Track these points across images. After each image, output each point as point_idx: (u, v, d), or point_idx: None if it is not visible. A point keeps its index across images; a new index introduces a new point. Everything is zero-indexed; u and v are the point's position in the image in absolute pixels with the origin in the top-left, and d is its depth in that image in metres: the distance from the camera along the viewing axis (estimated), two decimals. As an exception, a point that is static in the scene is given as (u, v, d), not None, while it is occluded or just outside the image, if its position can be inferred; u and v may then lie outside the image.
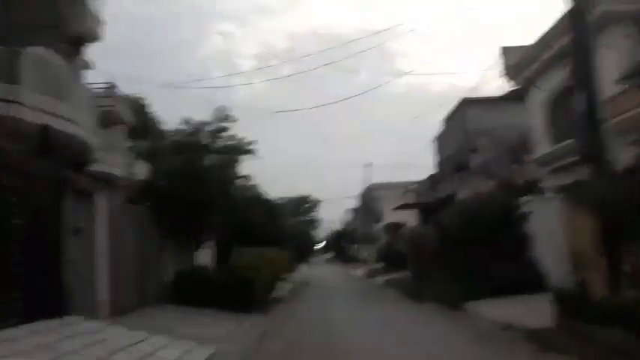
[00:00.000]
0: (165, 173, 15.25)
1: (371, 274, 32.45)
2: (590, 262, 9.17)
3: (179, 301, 13.88)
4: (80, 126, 14.09)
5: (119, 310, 10.96)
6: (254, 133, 18.08)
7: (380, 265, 37.01)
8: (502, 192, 16.29)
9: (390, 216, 54.30)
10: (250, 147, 16.13)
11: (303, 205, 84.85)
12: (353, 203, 79.99)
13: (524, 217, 14.80)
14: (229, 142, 16.02)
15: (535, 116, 20.27)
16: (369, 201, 48.81)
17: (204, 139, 15.94)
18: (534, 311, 11.23)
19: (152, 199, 14.90)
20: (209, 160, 16.00)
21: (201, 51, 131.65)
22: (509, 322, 10.20)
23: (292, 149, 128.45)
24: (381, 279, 27.30)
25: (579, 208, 10.24)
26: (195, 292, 14.02)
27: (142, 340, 8.25)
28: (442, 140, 39.00)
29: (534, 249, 14.30)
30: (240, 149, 16.00)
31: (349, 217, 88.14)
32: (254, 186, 17.39)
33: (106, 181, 13.82)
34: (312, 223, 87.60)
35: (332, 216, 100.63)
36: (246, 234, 23.97)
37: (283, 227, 33.43)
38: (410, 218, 42.26)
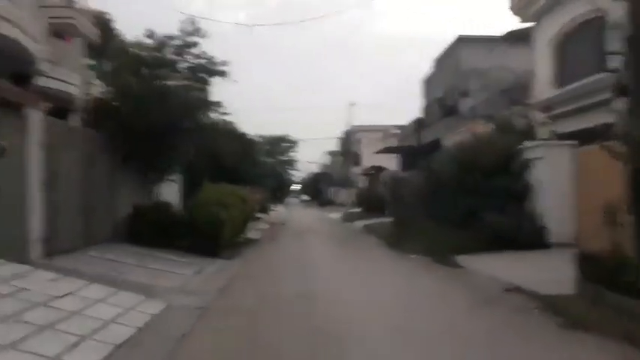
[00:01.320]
0: (122, 92, 13.15)
1: (349, 218, 31.16)
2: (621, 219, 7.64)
3: (135, 241, 12.17)
4: (21, 29, 11.87)
5: (56, 250, 9.21)
6: (236, 68, 15.86)
7: (358, 210, 35.77)
8: (501, 136, 14.66)
9: (370, 160, 52.94)
10: (223, 68, 14.00)
11: (281, 145, 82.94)
12: (333, 145, 78.30)
13: (527, 164, 13.26)
14: (199, 61, 13.84)
15: (540, 57, 18.55)
16: (349, 143, 46.98)
17: (169, 55, 13.73)
18: (541, 271, 9.88)
19: (106, 122, 12.88)
20: (174, 79, 13.88)
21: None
22: (516, 283, 8.76)
23: (276, 87, 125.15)
24: (359, 224, 25.96)
25: (607, 155, 8.61)
26: (154, 231, 12.31)
27: (71, 293, 6.52)
28: (431, 82, 37.03)
29: (536, 200, 12.85)
30: (211, 69, 13.86)
31: (328, 159, 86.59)
32: (227, 116, 15.30)
33: (48, 96, 11.71)
34: (290, 164, 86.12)
35: (311, 157, 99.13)
36: (218, 169, 22.15)
37: (259, 165, 31.62)
38: (390, 163, 40.89)
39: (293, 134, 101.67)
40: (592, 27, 15.67)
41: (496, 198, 13.09)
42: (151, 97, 13.05)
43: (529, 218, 12.57)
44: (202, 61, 13.86)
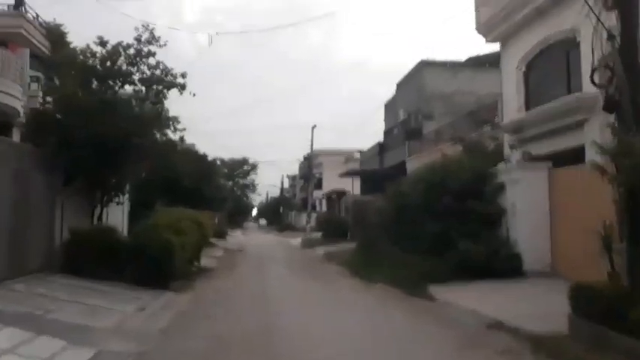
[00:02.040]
0: (65, 103, 11.89)
1: (309, 244, 30.05)
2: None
3: (73, 272, 10.80)
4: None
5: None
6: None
7: (318, 235, 34.74)
8: (471, 157, 14.06)
9: (332, 183, 52.28)
10: (181, 80, 12.88)
11: (241, 168, 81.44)
12: (294, 169, 77.46)
13: (500, 187, 12.65)
14: (154, 72, 12.69)
15: (508, 79, 18.27)
16: (311, 167, 46.22)
17: (121, 64, 12.54)
18: (522, 303, 9.11)
19: (46, 136, 11.59)
20: (126, 90, 12.71)
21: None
22: (497, 318, 7.93)
23: (237, 108, 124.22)
24: (320, 250, 24.93)
25: (586, 176, 7.99)
26: (94, 260, 10.96)
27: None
28: (393, 106, 36.84)
29: (511, 225, 12.20)
30: (168, 81, 12.73)
31: (288, 183, 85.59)
32: (184, 133, 14.12)
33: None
34: (250, 187, 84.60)
35: (271, 180, 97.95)
36: (173, 191, 20.88)
37: (217, 188, 30.35)
38: (353, 186, 40.27)
39: (253, 157, 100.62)
40: (561, 48, 15.47)
41: (468, 223, 12.41)
42: (98, 109, 11.84)
43: (503, 244, 11.88)
44: (158, 72, 12.71)
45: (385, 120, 38.98)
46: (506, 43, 18.36)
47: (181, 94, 13.04)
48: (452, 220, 12.65)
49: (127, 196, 15.58)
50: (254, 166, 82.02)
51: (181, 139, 14.38)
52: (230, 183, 77.01)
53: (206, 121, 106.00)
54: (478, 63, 30.59)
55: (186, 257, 12.78)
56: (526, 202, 11.94)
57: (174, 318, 8.46)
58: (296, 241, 35.24)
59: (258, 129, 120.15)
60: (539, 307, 8.61)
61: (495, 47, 20.05)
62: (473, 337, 7.21)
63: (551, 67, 16.19)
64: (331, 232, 30.78)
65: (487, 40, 19.38)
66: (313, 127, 45.67)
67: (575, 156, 12.73)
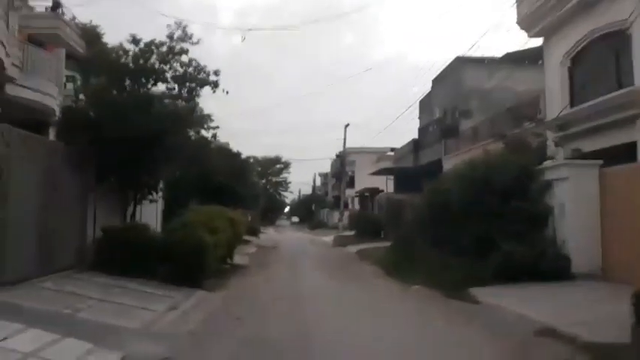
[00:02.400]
0: (99, 100, 11.78)
1: (341, 242, 29.61)
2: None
3: (104, 270, 10.63)
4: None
5: (3, 280, 7.69)
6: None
7: (351, 233, 34.27)
8: (515, 154, 13.34)
9: (364, 182, 51.70)
10: (214, 77, 12.63)
11: (274, 166, 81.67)
12: (326, 166, 77.12)
13: (547, 185, 11.94)
14: (187, 69, 12.46)
15: (552, 74, 17.48)
16: (343, 165, 45.75)
17: (154, 62, 12.35)
18: (574, 309, 8.45)
19: (79, 134, 11.48)
20: (158, 88, 12.53)
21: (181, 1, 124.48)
22: (549, 324, 7.33)
23: (271, 109, 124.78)
24: (353, 248, 24.47)
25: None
26: (127, 258, 10.75)
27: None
28: (429, 104, 35.99)
29: (558, 226, 11.49)
30: (200, 79, 12.48)
31: (320, 181, 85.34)
32: (217, 131, 13.87)
33: (20, 106, 10.30)
34: (282, 185, 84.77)
35: (304, 179, 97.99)
36: (205, 189, 20.76)
37: (251, 186, 30.22)
38: (385, 185, 39.62)
39: (286, 155, 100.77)
40: (609, 41, 14.65)
41: (513, 223, 11.73)
42: (132, 106, 11.68)
43: (549, 246, 11.19)
44: (191, 70, 12.48)
45: (420, 118, 38.12)
46: (549, 38, 17.62)
47: (214, 91, 12.82)
48: (495, 220, 12.01)
49: (160, 194, 15.47)
50: (287, 165, 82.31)
51: (214, 136, 14.14)
52: (263, 181, 77.46)
53: (239, 120, 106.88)
54: (516, 59, 29.63)
55: (219, 255, 12.54)
56: (575, 201, 11.21)
57: (205, 319, 8.16)
58: (328, 238, 34.88)
59: (290, 128, 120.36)
60: (594, 313, 7.97)
61: (536, 42, 19.31)
62: (525, 346, 6.66)
63: (597, 62, 15.39)
64: (364, 231, 30.29)
65: (529, 35, 18.66)
66: (346, 126, 45.35)
67: (626, 153, 11.96)
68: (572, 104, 16.13)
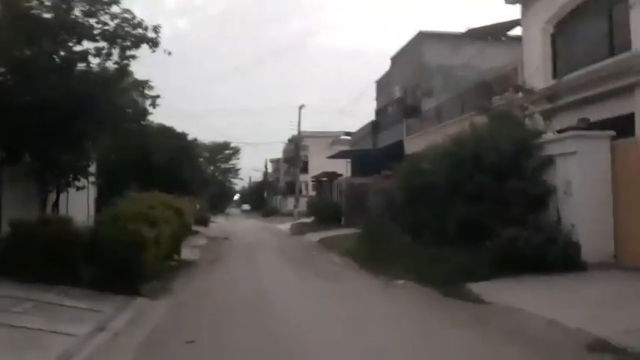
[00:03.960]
0: (7, 61, 9.25)
1: (299, 230, 27.71)
2: None
3: (11, 274, 8.25)
4: None
5: None
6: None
7: (308, 220, 32.40)
8: (505, 127, 11.73)
9: (318, 167, 49.88)
10: (152, 35, 10.25)
11: (223, 152, 78.60)
12: (277, 152, 74.80)
13: (546, 161, 10.37)
14: (119, 23, 10.02)
15: (531, 44, 16.14)
16: (297, 149, 43.70)
17: (77, 15, 9.85)
18: (611, 308, 6.87)
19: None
20: (84, 46, 10.04)
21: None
22: (592, 333, 5.69)
23: (219, 92, 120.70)
24: (314, 237, 22.60)
25: None
26: (42, 259, 8.42)
27: None
28: (387, 83, 34.35)
29: (563, 208, 9.95)
30: (135, 35, 10.07)
31: (272, 167, 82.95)
32: (156, 101, 11.47)
33: None
34: (232, 172, 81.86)
35: (254, 164, 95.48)
36: (147, 174, 18.27)
37: (198, 170, 27.72)
38: (342, 169, 37.95)
39: (236, 140, 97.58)
40: (599, 4, 13.34)
41: (510, 205, 10.14)
42: (47, 67, 9.23)
43: (553, 232, 9.63)
44: (125, 25, 10.05)
45: (377, 99, 36.57)
46: (528, 4, 16.28)
47: (153, 51, 10.42)
48: (488, 202, 10.38)
49: (92, 179, 13.01)
50: (236, 150, 79.24)
51: (153, 104, 11.71)
52: (212, 167, 74.26)
53: (185, 102, 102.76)
54: (479, 35, 28.42)
55: (163, 251, 10.31)
56: (583, 179, 9.67)
57: (145, 344, 6.01)
58: (284, 226, 32.90)
59: (240, 111, 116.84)
60: (633, 313, 6.44)
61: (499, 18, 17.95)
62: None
63: (586, 28, 14.06)
64: (323, 218, 28.46)
65: (506, 1, 17.27)
66: (301, 107, 43.25)
67: (623, 126, 10.59)
68: (555, 75, 14.82)
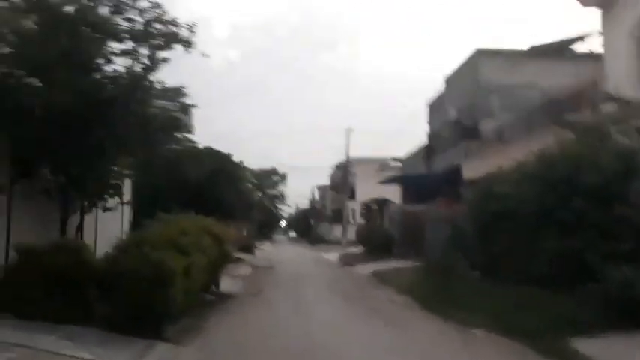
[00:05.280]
0: (26, 59, 8.13)
1: (349, 261, 25.85)
2: None
3: (14, 309, 6.92)
4: None
5: None
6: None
7: (357, 250, 30.51)
8: (600, 146, 9.71)
9: (365, 193, 48.04)
10: (187, 33, 8.97)
11: (270, 179, 78.09)
12: (323, 179, 73.45)
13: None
14: (149, 19, 8.79)
15: (615, 52, 14.19)
16: (344, 176, 42.09)
17: (103, 12, 8.69)
18: None
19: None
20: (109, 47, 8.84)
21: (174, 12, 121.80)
22: None
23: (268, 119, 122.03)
24: (364, 269, 20.73)
25: None
26: (50, 292, 7.06)
27: None
28: (440, 106, 32.46)
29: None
30: (168, 34, 8.82)
31: (319, 194, 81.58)
32: (190, 113, 10.19)
33: None
34: (279, 198, 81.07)
35: (300, 191, 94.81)
36: (189, 197, 17.00)
37: (244, 195, 26.47)
38: (392, 196, 36.02)
39: (283, 165, 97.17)
40: None
41: (616, 238, 8.13)
42: (69, 69, 8.05)
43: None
44: (156, 23, 8.84)
45: (430, 122, 34.62)
46: (610, 7, 14.40)
47: (188, 52, 9.11)
48: (589, 233, 8.40)
49: (126, 199, 11.79)
50: (283, 177, 78.56)
51: (184, 110, 10.37)
52: (259, 194, 73.66)
53: (238, 129, 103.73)
54: (540, 53, 26.41)
55: (196, 285, 8.78)
56: None
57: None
58: (332, 256, 31.09)
59: (287, 136, 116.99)
60: None
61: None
62: None
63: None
64: (374, 247, 26.54)
65: (584, 4, 15.45)
66: (349, 130, 41.70)
67: None
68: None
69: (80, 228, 9.84)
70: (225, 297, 12.07)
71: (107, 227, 11.69)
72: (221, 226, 12.30)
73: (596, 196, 8.52)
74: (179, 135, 17.72)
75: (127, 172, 11.70)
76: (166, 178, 15.06)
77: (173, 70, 9.33)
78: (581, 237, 8.45)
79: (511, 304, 8.87)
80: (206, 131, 49.63)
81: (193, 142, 22.22)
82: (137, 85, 8.74)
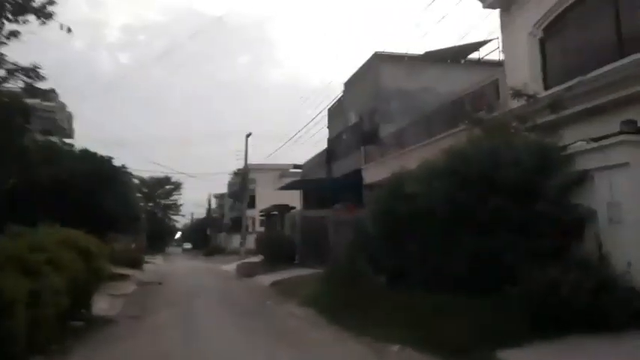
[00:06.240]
0: None
1: (247, 272, 24.28)
2: None
3: None
4: None
5: None
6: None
7: (257, 260, 29.01)
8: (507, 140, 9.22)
9: (264, 202, 46.80)
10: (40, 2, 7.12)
11: (164, 187, 74.13)
12: (221, 187, 70.99)
13: (580, 179, 7.89)
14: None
15: (514, 50, 14.29)
16: (245, 180, 40.50)
17: None
18: None
19: None
20: None
21: (64, 15, 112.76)
22: None
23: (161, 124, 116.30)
24: (264, 280, 19.37)
25: None
26: None
27: None
28: (339, 111, 32.16)
29: (607, 239, 7.42)
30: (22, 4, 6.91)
31: (216, 202, 78.80)
32: (44, 94, 8.25)
33: None
34: (172, 208, 77.21)
35: (196, 198, 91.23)
36: (65, 207, 14.64)
37: (130, 204, 23.97)
38: (293, 203, 35.04)
39: (177, 172, 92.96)
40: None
41: (538, 236, 7.56)
42: None
43: (606, 271, 7.05)
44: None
45: (329, 127, 34.29)
46: (509, 7, 14.52)
47: (44, 22, 7.28)
48: (507, 232, 7.76)
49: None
50: (177, 185, 74.87)
51: (29, 90, 8.41)
52: (151, 204, 69.40)
53: (129, 134, 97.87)
54: (437, 58, 26.87)
55: (49, 312, 6.91)
56: (627, 201, 7.25)
57: None
58: (230, 267, 29.32)
59: (183, 143, 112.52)
60: None
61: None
62: None
63: (583, 29, 12.27)
64: (274, 256, 25.20)
65: (484, 6, 15.50)
66: (248, 135, 40.17)
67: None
68: (546, 84, 12.85)
69: None
70: (98, 322, 10.14)
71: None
72: (92, 239, 10.36)
73: (514, 193, 7.92)
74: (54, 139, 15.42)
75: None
76: (29, 182, 12.68)
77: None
78: (500, 236, 7.80)
79: (427, 314, 7.98)
80: (96, 137, 45.65)
81: (69, 144, 19.67)
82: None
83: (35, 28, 7.44)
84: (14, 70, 7.87)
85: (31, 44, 7.97)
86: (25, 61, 8.18)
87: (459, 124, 13.79)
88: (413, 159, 12.57)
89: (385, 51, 27.18)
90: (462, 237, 8.29)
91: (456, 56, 27.94)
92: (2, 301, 5.41)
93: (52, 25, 7.55)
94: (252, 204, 51.80)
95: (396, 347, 7.37)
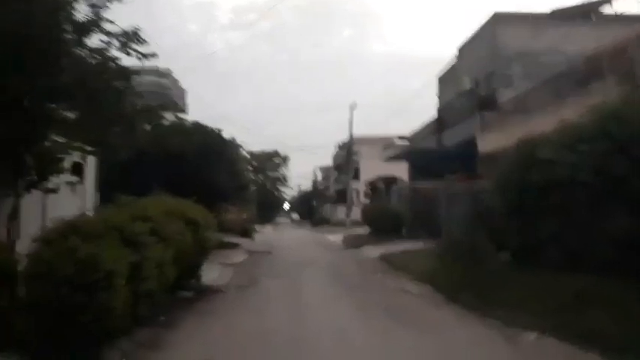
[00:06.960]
0: None
1: (354, 243, 23.81)
2: None
3: None
4: None
5: None
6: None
7: (363, 231, 28.44)
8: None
9: (368, 173, 46.01)
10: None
11: (272, 160, 76.10)
12: (327, 159, 71.34)
13: None
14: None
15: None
16: (350, 151, 39.89)
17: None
18: None
19: None
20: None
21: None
22: None
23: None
24: (372, 252, 18.68)
25: None
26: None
27: None
28: (452, 77, 30.22)
29: None
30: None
31: (321, 175, 79.50)
32: (148, 58, 8.04)
33: None
34: (280, 181, 79.16)
35: (303, 170, 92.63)
36: (175, 178, 14.87)
37: (241, 177, 24.29)
38: (400, 174, 33.93)
39: (285, 146, 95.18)
40: None
41: None
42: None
43: None
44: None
45: (440, 95, 32.41)
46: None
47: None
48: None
49: (75, 179, 9.71)
50: (285, 159, 76.41)
51: (140, 56, 8.20)
52: (261, 177, 71.64)
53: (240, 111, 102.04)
54: (565, 16, 24.12)
55: (153, 284, 6.67)
56: None
57: None
58: (336, 237, 29.04)
59: (291, 121, 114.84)
60: None
61: None
62: None
63: None
64: (381, 228, 24.46)
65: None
66: (352, 107, 39.37)
67: None
68: None
69: (14, 215, 7.76)
70: (207, 292, 10.04)
71: (65, 209, 9.61)
72: (199, 209, 10.21)
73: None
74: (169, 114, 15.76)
75: (88, 148, 9.63)
76: (145, 156, 12.95)
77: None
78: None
79: (568, 299, 6.79)
80: (208, 114, 47.56)
81: (181, 118, 20.15)
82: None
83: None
84: (117, 35, 7.67)
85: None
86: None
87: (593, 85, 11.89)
88: (535, 128, 11.00)
89: (505, 11, 24.86)
90: (614, 213, 6.92)
91: (587, 12, 24.96)
92: (99, 272, 5.14)
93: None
94: (356, 176, 51.32)
95: (532, 335, 6.31)
